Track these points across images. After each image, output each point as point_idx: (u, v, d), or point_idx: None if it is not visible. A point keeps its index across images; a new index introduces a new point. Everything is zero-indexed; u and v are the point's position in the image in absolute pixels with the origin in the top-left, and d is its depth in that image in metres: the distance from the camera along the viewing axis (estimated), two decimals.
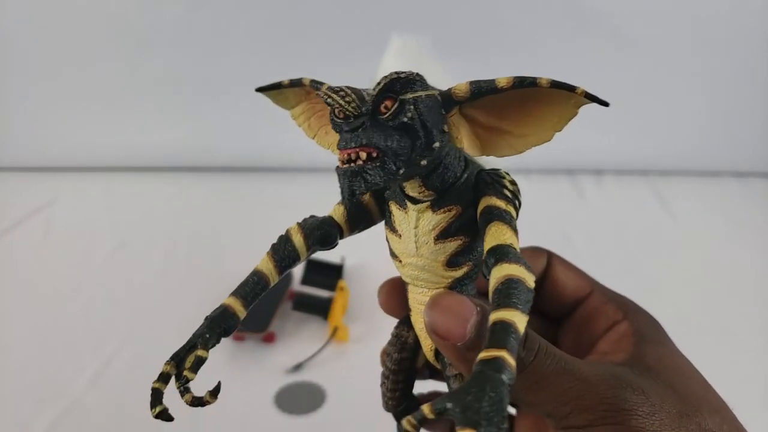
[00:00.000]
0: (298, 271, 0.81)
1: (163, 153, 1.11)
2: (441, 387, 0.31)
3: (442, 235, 0.25)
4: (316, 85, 0.27)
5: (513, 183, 0.25)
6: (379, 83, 0.22)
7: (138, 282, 0.84)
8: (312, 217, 0.29)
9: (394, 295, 0.29)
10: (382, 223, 0.28)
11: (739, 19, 1.00)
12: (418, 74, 0.22)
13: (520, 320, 0.20)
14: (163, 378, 0.27)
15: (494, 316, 0.20)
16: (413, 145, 0.22)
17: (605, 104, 0.20)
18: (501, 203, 0.24)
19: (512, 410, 0.32)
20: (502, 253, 0.22)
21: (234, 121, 1.07)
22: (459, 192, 0.25)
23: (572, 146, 1.13)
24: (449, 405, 0.18)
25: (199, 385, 0.28)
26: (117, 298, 0.81)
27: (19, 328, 0.75)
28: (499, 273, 0.21)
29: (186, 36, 1.00)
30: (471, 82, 0.22)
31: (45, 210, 1.01)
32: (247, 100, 1.08)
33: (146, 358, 0.71)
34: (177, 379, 0.26)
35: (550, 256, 0.30)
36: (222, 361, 0.70)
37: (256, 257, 0.33)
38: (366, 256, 0.82)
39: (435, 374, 0.32)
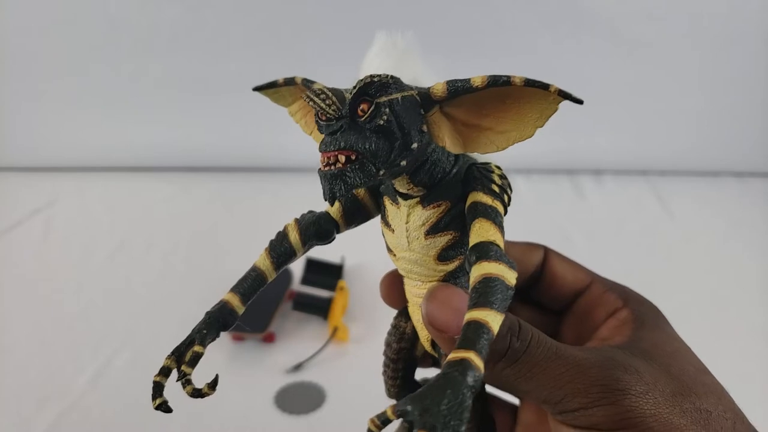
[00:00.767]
0: (298, 271, 0.81)
1: (163, 153, 1.11)
2: None
3: (432, 230, 0.25)
4: (307, 83, 0.27)
5: (502, 177, 0.25)
6: (354, 86, 0.22)
7: (138, 282, 0.84)
8: (310, 212, 0.29)
9: (394, 288, 0.30)
10: (379, 218, 0.29)
11: (738, 20, 1.00)
12: (392, 77, 0.22)
13: (494, 320, 0.20)
14: (164, 371, 0.28)
15: (468, 315, 0.20)
16: (391, 147, 0.22)
17: (579, 102, 0.20)
18: (487, 199, 0.24)
19: (517, 401, 0.32)
20: (483, 251, 0.22)
21: (234, 121, 1.07)
22: (448, 187, 0.25)
23: (572, 146, 1.13)
24: (409, 408, 0.18)
25: (199, 384, 0.29)
26: (117, 297, 0.81)
27: (20, 328, 0.76)
28: (478, 271, 0.21)
29: (186, 36, 1.00)
30: (447, 82, 0.23)
31: (45, 210, 1.01)
32: (246, 100, 1.08)
33: (146, 358, 0.71)
34: (178, 373, 0.28)
35: (547, 251, 0.30)
36: (222, 361, 0.70)
37: (256, 257, 0.33)
38: (366, 256, 0.82)
39: (437, 363, 0.33)
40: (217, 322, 0.28)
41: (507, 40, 1.01)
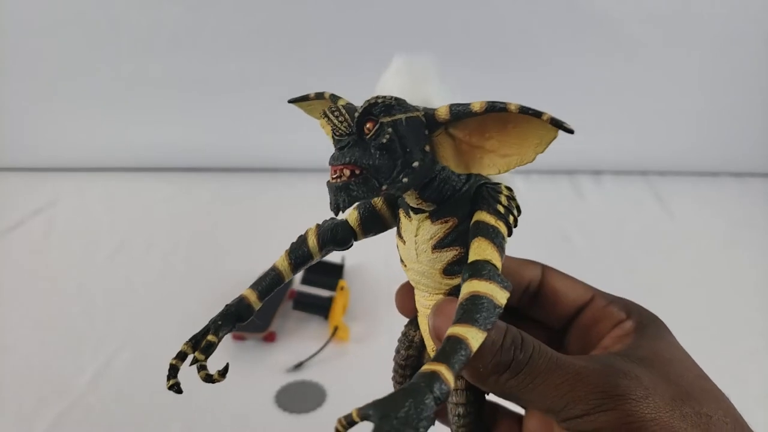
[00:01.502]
0: None
1: (163, 153, 1.11)
2: None
3: (439, 245, 0.26)
4: (334, 98, 0.28)
5: (510, 198, 0.25)
6: (362, 106, 0.24)
7: (138, 282, 0.84)
8: (331, 219, 0.30)
9: (408, 298, 0.30)
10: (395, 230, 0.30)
11: (738, 20, 1.00)
12: (396, 99, 0.23)
13: (474, 336, 0.21)
14: (180, 356, 0.30)
15: (450, 330, 0.21)
16: (394, 164, 0.23)
17: (570, 131, 0.21)
18: (491, 219, 0.25)
19: (522, 410, 0.33)
20: (476, 269, 0.23)
21: (234, 122, 1.07)
22: (457, 204, 0.26)
23: (571, 147, 1.13)
24: (371, 411, 0.19)
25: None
26: (118, 297, 0.81)
27: (21, 328, 0.76)
28: (467, 288, 0.22)
29: (186, 37, 1.00)
30: (450, 106, 0.23)
31: (46, 210, 1.01)
32: (247, 100, 1.09)
33: (147, 358, 0.71)
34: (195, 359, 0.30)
35: (545, 268, 0.31)
36: (223, 360, 0.70)
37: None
38: (366, 256, 0.83)
39: None
40: (234, 314, 0.30)
41: (507, 41, 1.01)
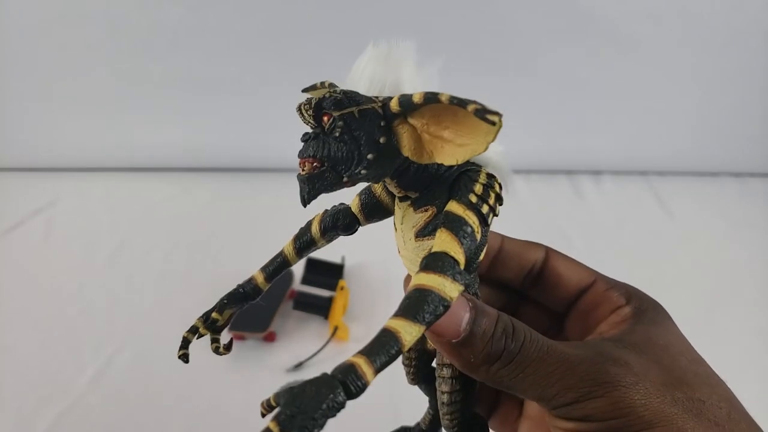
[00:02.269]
0: (298, 270, 0.81)
1: (163, 153, 1.11)
2: None
3: (420, 234, 0.26)
4: (331, 86, 0.28)
5: (487, 186, 0.25)
6: (314, 100, 0.24)
7: (138, 282, 0.84)
8: (340, 204, 0.31)
9: None
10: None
11: (738, 20, 1.00)
12: (345, 92, 0.24)
13: (408, 331, 0.20)
14: (192, 330, 0.33)
15: (386, 323, 0.21)
16: (351, 156, 0.23)
17: (491, 123, 0.20)
18: (459, 209, 0.24)
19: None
20: (430, 261, 0.22)
21: (234, 121, 1.07)
22: (436, 193, 0.26)
23: (571, 147, 1.13)
24: (280, 396, 0.19)
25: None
26: (118, 297, 0.81)
27: (21, 328, 0.76)
28: (416, 281, 0.22)
29: (187, 37, 1.00)
30: (399, 97, 0.23)
31: (46, 210, 1.01)
32: (247, 100, 1.09)
33: (147, 358, 0.71)
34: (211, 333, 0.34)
35: (549, 250, 0.31)
36: (223, 360, 0.70)
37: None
38: (366, 256, 0.83)
39: None
40: (241, 294, 0.32)
41: (507, 41, 1.01)
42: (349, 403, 0.21)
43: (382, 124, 0.24)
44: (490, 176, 0.25)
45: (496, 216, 0.25)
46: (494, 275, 0.30)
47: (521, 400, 0.32)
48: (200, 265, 0.88)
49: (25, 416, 0.64)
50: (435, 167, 0.25)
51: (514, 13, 0.98)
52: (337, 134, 0.23)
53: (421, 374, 0.34)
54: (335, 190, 0.24)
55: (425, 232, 0.26)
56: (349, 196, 0.30)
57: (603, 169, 1.15)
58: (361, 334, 0.73)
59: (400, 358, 0.33)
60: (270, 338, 0.72)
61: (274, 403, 0.20)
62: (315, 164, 0.24)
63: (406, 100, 0.23)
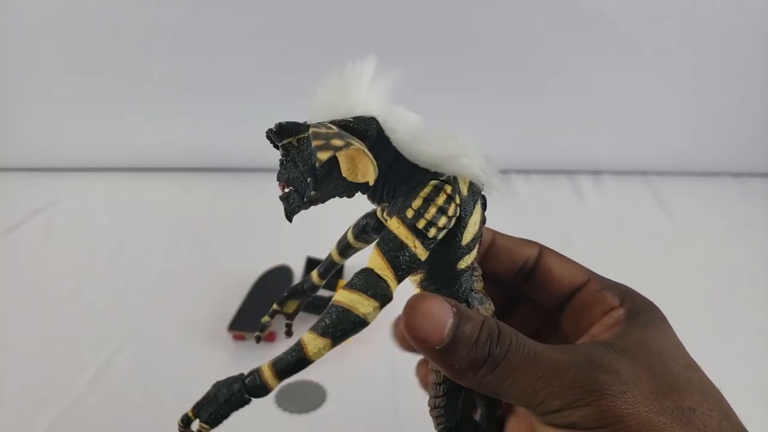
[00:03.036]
0: (298, 271, 0.81)
1: (163, 153, 1.11)
2: None
3: None
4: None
5: (426, 200, 0.24)
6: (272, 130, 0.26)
7: (139, 282, 0.84)
8: (368, 211, 0.32)
9: None
10: None
11: (738, 20, 1.00)
12: (287, 123, 0.25)
13: (315, 344, 0.23)
14: (270, 314, 0.38)
15: (303, 335, 0.24)
16: (301, 180, 0.25)
17: (276, 145, 0.24)
18: (393, 224, 0.24)
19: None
20: (353, 277, 0.24)
21: (234, 122, 1.07)
22: (397, 204, 0.26)
23: (571, 147, 1.13)
24: (196, 408, 0.24)
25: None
26: (118, 297, 0.81)
27: (21, 328, 0.76)
28: (336, 296, 0.24)
29: (187, 37, 1.00)
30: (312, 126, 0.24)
31: (46, 210, 1.01)
32: (247, 100, 1.09)
33: (147, 358, 0.71)
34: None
35: (542, 248, 0.30)
36: (223, 361, 0.70)
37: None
38: (366, 256, 0.83)
39: None
40: (300, 290, 0.37)
41: (507, 40, 1.01)
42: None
43: None
44: (437, 189, 0.24)
45: (442, 228, 0.24)
46: (485, 269, 0.30)
47: (503, 417, 0.32)
48: (200, 265, 0.88)
49: (25, 416, 0.64)
50: (396, 179, 0.26)
51: (514, 13, 0.98)
52: (285, 161, 0.25)
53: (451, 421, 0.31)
54: (308, 207, 0.26)
55: None
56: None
57: (603, 169, 1.15)
58: (361, 334, 0.73)
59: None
60: (270, 338, 0.72)
61: (190, 414, 0.24)
62: (283, 186, 0.26)
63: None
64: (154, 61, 1.02)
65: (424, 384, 0.31)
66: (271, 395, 0.65)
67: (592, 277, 0.29)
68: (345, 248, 0.33)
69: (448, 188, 0.24)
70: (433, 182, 0.25)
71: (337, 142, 0.21)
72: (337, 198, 0.27)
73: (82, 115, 1.07)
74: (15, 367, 0.70)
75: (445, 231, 0.24)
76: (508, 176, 1.14)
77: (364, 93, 0.25)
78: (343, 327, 0.23)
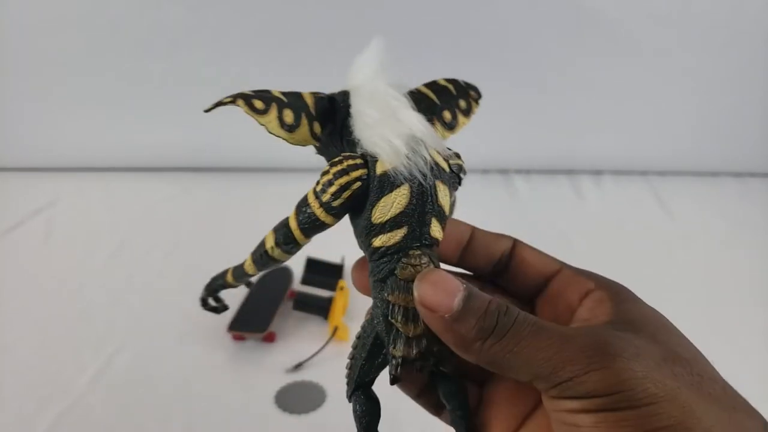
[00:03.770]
0: (298, 271, 0.81)
1: (164, 153, 1.11)
2: None
3: None
4: None
5: (326, 170, 0.26)
6: None
7: (139, 282, 0.84)
8: None
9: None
10: None
11: (738, 20, 1.00)
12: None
13: (247, 261, 0.30)
14: None
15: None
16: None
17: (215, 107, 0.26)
18: (309, 189, 0.27)
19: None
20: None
21: (234, 122, 1.07)
22: None
23: (571, 147, 1.13)
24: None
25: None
26: (118, 297, 0.81)
27: (21, 328, 0.76)
28: None
29: (187, 37, 1.00)
30: None
31: (46, 210, 1.01)
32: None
33: (147, 358, 0.71)
34: None
35: (516, 241, 0.31)
36: (223, 361, 0.70)
37: None
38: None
39: None
40: None
41: (507, 39, 1.01)
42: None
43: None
44: (336, 162, 0.26)
45: (334, 196, 0.26)
46: (464, 264, 0.30)
47: (480, 384, 0.31)
48: (200, 265, 0.87)
49: (25, 416, 0.64)
50: (329, 152, 0.29)
51: (515, 13, 0.98)
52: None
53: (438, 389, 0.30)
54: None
55: None
56: None
57: (603, 169, 1.15)
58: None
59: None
60: (270, 338, 0.72)
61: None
62: None
63: None
64: (154, 61, 1.02)
65: (360, 286, 0.30)
66: (271, 396, 0.66)
67: (563, 265, 0.29)
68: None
69: (346, 162, 0.26)
70: (342, 155, 0.26)
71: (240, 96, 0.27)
72: None
73: (82, 115, 1.07)
74: (15, 367, 0.70)
75: (341, 200, 0.26)
76: (508, 176, 1.14)
77: (360, 68, 0.28)
78: (258, 252, 0.28)
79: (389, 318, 0.25)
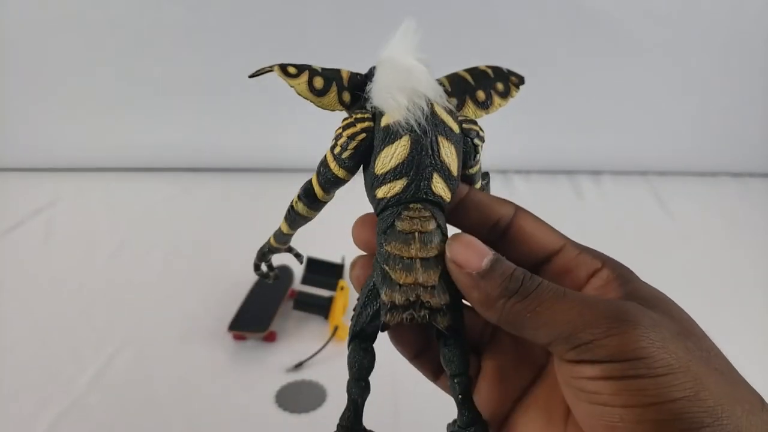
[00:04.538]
0: (298, 270, 0.81)
1: (164, 153, 1.11)
2: None
3: None
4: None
5: (337, 129, 0.28)
6: None
7: (139, 282, 0.84)
8: None
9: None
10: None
11: (738, 20, 1.00)
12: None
13: (282, 223, 0.31)
14: None
15: None
16: None
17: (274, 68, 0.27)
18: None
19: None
20: None
21: (234, 121, 1.07)
22: None
23: (571, 147, 1.13)
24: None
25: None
26: (118, 297, 0.81)
27: (21, 328, 0.76)
28: None
29: (187, 37, 1.00)
30: None
31: (46, 210, 1.01)
32: (248, 100, 1.09)
33: (147, 358, 0.71)
34: None
35: (518, 208, 0.30)
36: (223, 361, 0.70)
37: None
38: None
39: None
40: None
41: (507, 39, 1.01)
42: None
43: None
44: (344, 119, 0.28)
45: (344, 148, 0.27)
46: (455, 221, 0.30)
47: (479, 355, 0.31)
48: (200, 265, 0.88)
49: (25, 416, 0.64)
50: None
51: (515, 13, 0.99)
52: None
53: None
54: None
55: None
56: None
57: (603, 169, 1.15)
58: None
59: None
60: (270, 338, 0.72)
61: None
62: None
63: None
64: (154, 62, 1.02)
65: (359, 242, 0.31)
66: (271, 396, 0.66)
67: (568, 242, 0.29)
68: None
69: (354, 116, 0.27)
70: (353, 112, 0.28)
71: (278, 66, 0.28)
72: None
73: (82, 115, 1.07)
74: (15, 367, 0.70)
75: (350, 152, 0.27)
76: (508, 176, 1.14)
77: (391, 45, 0.29)
78: (289, 208, 0.30)
79: (383, 266, 0.26)
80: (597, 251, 0.29)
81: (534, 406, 0.28)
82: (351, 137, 0.27)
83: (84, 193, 1.07)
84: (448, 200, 0.27)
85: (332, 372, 0.68)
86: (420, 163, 0.26)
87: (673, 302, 0.26)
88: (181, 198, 1.06)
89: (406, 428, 0.61)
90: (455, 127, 0.28)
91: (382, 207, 0.27)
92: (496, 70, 0.32)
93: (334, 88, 0.28)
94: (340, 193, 0.29)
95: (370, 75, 0.29)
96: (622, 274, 0.27)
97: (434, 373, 0.31)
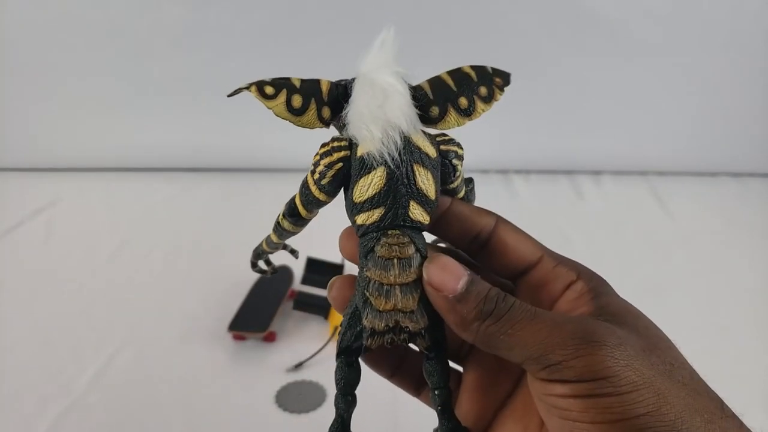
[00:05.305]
0: (298, 271, 0.81)
1: (164, 153, 1.11)
2: None
3: None
4: None
5: (313, 164, 0.28)
6: None
7: (139, 281, 0.84)
8: None
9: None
10: None
11: (738, 20, 1.00)
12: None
13: (271, 233, 0.32)
14: None
15: None
16: None
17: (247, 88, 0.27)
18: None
19: (459, 368, 0.33)
20: None
21: (234, 122, 1.07)
22: None
23: (570, 147, 1.13)
24: None
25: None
26: (119, 297, 0.81)
27: (21, 328, 0.76)
28: None
29: (187, 37, 1.00)
30: None
31: (47, 210, 1.01)
32: (248, 100, 1.08)
33: (147, 358, 0.71)
34: None
35: (499, 219, 0.30)
36: (223, 361, 0.70)
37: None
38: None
39: None
40: None
41: (507, 39, 1.01)
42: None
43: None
44: (322, 145, 0.28)
45: (322, 175, 0.28)
46: (438, 232, 0.30)
47: (459, 377, 0.32)
48: (200, 265, 0.88)
49: (25, 416, 0.64)
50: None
51: (515, 13, 0.99)
52: None
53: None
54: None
55: None
56: None
57: (603, 169, 1.15)
58: None
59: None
60: (270, 338, 0.72)
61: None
62: None
63: None
64: (154, 62, 1.02)
65: (346, 254, 0.31)
66: (271, 396, 0.66)
67: (545, 252, 0.30)
68: None
69: (331, 144, 0.28)
70: (332, 138, 0.28)
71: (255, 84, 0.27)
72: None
73: (83, 115, 1.07)
74: (15, 367, 0.70)
75: (328, 179, 0.28)
76: (508, 176, 1.14)
77: (370, 56, 0.29)
78: (276, 223, 0.31)
79: (365, 291, 0.27)
80: (573, 262, 0.29)
81: (511, 417, 0.29)
82: (328, 166, 0.27)
83: (84, 193, 1.07)
84: (426, 223, 0.28)
85: (332, 372, 0.67)
86: (396, 192, 0.27)
87: (642, 315, 0.27)
88: (181, 198, 1.06)
89: (406, 428, 0.61)
90: (432, 152, 0.28)
91: (362, 232, 0.28)
92: (480, 71, 0.31)
93: (312, 106, 0.28)
94: (340, 194, 0.29)
95: (349, 90, 0.28)
96: (594, 287, 0.28)
97: (415, 388, 0.33)
